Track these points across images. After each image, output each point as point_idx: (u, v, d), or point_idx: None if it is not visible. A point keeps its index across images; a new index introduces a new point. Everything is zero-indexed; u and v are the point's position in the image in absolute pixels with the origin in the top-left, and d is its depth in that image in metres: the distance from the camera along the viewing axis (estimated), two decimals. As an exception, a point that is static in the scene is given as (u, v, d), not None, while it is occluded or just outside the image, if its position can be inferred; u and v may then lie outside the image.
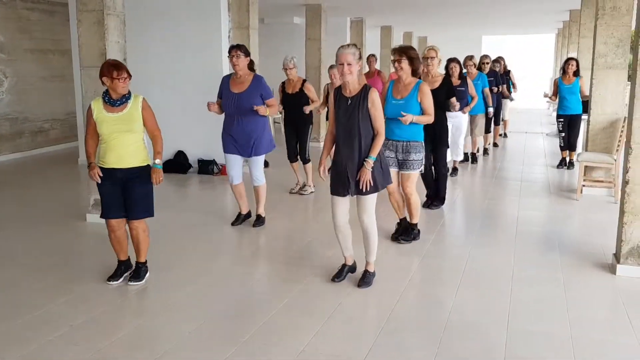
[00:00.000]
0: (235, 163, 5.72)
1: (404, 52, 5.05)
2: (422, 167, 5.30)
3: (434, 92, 6.02)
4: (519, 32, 22.73)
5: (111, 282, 4.34)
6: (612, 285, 4.43)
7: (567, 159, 9.20)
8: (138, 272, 4.40)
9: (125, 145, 4.12)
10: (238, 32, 8.66)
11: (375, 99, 4.04)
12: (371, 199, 4.17)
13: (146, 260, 4.45)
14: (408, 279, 4.49)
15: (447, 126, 6.48)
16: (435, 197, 6.63)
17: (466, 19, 16.76)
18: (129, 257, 4.48)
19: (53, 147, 11.06)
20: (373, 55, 9.97)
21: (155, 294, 4.24)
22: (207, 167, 8.75)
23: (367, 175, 4.03)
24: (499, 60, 11.63)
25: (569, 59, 9.05)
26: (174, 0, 8.64)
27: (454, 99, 6.31)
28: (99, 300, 4.07)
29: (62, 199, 7.23)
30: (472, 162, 9.60)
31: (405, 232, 5.41)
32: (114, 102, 4.11)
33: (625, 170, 4.49)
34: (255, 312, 3.90)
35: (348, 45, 4.06)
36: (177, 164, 8.85)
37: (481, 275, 4.58)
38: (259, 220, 5.93)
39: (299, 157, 7.36)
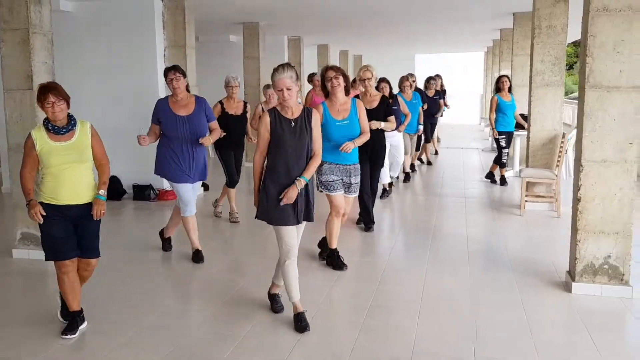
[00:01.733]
0: (190, 192, 5.30)
1: (339, 69, 5.05)
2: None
3: (373, 111, 5.95)
4: (450, 51, 23.37)
5: (67, 336, 3.81)
6: (570, 304, 4.40)
7: (499, 175, 9.26)
8: (73, 323, 3.88)
9: (80, 178, 3.71)
10: (174, 51, 8.32)
11: (317, 120, 3.95)
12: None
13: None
14: (367, 308, 4.30)
15: (385, 145, 6.35)
16: (367, 218, 6.42)
17: (400, 39, 17.03)
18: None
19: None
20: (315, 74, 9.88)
21: (93, 347, 3.84)
22: (143, 192, 8.32)
23: (293, 193, 3.77)
24: (435, 78, 11.80)
25: (501, 77, 9.22)
26: (105, 19, 8.22)
27: (392, 118, 6.19)
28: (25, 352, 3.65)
29: None
30: (405, 181, 9.49)
31: (333, 259, 5.19)
32: (58, 129, 3.69)
33: (577, 188, 4.50)
34: (210, 356, 3.60)
35: (283, 68, 3.73)
36: (111, 191, 8.35)
37: (440, 301, 4.45)
38: (199, 255, 5.39)
39: (234, 180, 6.96)
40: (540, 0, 7.10)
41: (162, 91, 8.29)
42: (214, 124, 5.36)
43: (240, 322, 4.04)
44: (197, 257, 5.38)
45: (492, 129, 9.10)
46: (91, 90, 8.27)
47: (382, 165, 6.38)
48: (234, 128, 6.79)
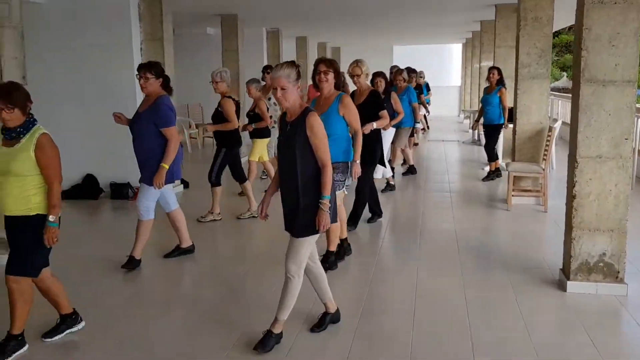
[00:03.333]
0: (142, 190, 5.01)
1: (332, 64, 4.75)
2: (344, 189, 4.89)
3: (361, 105, 5.76)
4: (428, 42, 23.29)
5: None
6: (566, 303, 4.32)
7: (488, 170, 9.16)
8: (3, 346, 3.46)
9: (6, 189, 3.36)
10: (151, 45, 8.05)
11: (314, 125, 3.36)
12: (303, 244, 3.45)
13: (22, 333, 3.55)
14: (360, 311, 4.15)
15: (378, 142, 6.17)
16: (352, 216, 6.23)
17: (377, 30, 16.88)
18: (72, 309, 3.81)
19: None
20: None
21: None
22: (121, 190, 8.05)
23: (325, 219, 3.37)
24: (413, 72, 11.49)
25: (491, 68, 9.09)
26: (79, 11, 7.89)
27: (384, 112, 6.07)
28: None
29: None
30: (405, 174, 9.40)
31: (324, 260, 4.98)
32: (7, 134, 3.37)
33: (572, 185, 4.40)
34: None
35: (281, 65, 3.38)
36: (87, 189, 8.08)
37: (434, 303, 4.32)
38: (130, 262, 5.04)
39: (207, 177, 6.68)
40: (526, -9, 7.01)
41: (139, 86, 8.02)
42: (168, 131, 4.81)
43: (226, 335, 3.86)
44: (127, 263, 5.06)
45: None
46: (65, 85, 7.95)
47: (373, 164, 6.16)
48: (216, 123, 6.61)
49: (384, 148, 8.00)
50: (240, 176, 6.83)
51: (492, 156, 9.04)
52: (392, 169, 9.33)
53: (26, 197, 3.37)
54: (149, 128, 4.80)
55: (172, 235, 5.49)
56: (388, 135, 8.11)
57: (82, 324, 3.85)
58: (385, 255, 5.53)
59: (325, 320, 3.84)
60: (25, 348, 3.55)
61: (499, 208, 7.22)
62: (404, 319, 4.01)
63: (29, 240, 3.42)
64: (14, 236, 3.44)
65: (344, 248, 5.24)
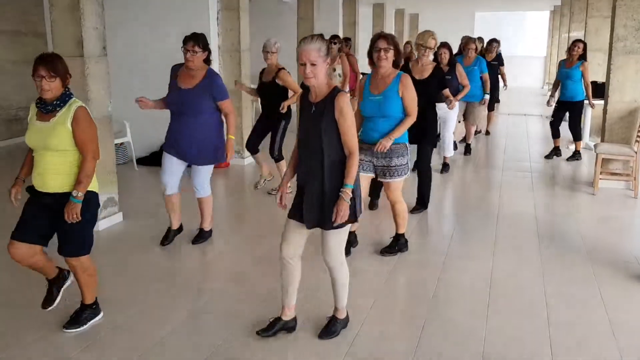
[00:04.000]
0: (171, 167, 4.79)
1: (393, 40, 4.36)
2: (409, 172, 4.59)
3: (423, 81, 5.46)
4: (512, 9, 22.14)
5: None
6: (657, 304, 3.99)
7: (574, 149, 8.63)
8: (78, 315, 3.58)
9: (46, 165, 3.29)
10: (227, 14, 8.00)
11: (344, 107, 3.07)
12: (336, 236, 3.25)
13: (95, 302, 3.63)
14: (428, 301, 4.00)
15: (435, 122, 5.84)
16: (418, 201, 5.96)
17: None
18: (62, 270, 3.65)
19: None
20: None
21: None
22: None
23: (344, 209, 3.10)
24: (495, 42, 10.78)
25: (576, 41, 8.47)
26: (156, -19, 7.93)
27: (447, 91, 5.74)
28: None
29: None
30: (466, 154, 8.84)
31: (390, 244, 4.82)
32: (43, 107, 3.29)
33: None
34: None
35: (312, 38, 3.07)
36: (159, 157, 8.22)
37: (510, 295, 4.09)
38: (201, 235, 5.04)
39: (269, 153, 6.47)
40: (627, -43, 6.40)
41: (216, 57, 8.04)
42: (225, 104, 4.69)
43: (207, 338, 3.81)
44: (197, 237, 5.05)
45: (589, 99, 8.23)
46: (140, 56, 8.05)
47: (432, 142, 5.82)
48: (265, 96, 6.38)
49: (450, 126, 7.59)
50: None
51: (577, 135, 8.51)
52: (468, 146, 8.92)
53: (70, 173, 3.30)
54: (205, 103, 4.61)
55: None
56: (453, 113, 7.53)
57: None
58: (458, 238, 5.27)
59: (274, 326, 3.48)
60: (100, 316, 3.64)
61: (584, 192, 6.78)
62: (476, 311, 3.82)
63: (85, 218, 3.35)
64: (60, 215, 3.30)
65: (350, 241, 4.66)
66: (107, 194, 5.44)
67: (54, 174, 3.30)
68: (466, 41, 8.82)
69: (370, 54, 4.44)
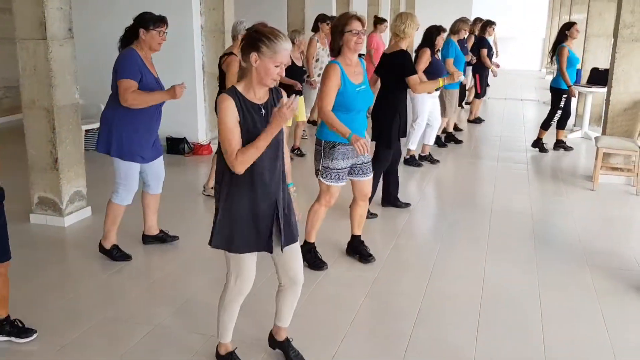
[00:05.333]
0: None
1: (363, 23, 3.91)
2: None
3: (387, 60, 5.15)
4: (511, -11, 21.58)
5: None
6: (661, 319, 3.69)
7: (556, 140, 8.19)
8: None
9: None
10: (210, -7, 7.56)
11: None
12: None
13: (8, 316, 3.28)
14: (417, 310, 3.68)
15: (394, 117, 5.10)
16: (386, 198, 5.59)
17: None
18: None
19: (7, 117, 9.93)
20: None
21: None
22: (177, 146, 7.80)
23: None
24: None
25: (574, 23, 7.97)
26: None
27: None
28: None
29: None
30: (457, 142, 8.43)
31: (360, 249, 4.42)
32: None
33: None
34: None
35: (286, 36, 2.63)
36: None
37: (503, 307, 3.77)
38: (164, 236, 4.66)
39: None
40: (636, -63, 5.99)
41: (198, 37, 7.62)
42: None
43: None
44: (162, 237, 4.65)
45: (570, 87, 7.67)
46: (116, 36, 7.60)
47: (387, 140, 5.11)
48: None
49: (423, 115, 6.91)
50: None
51: (546, 124, 8.02)
52: (450, 135, 8.43)
53: None
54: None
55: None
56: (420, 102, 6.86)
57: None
58: (449, 240, 4.93)
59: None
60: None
61: (583, 187, 6.45)
62: (466, 327, 3.51)
63: None
64: None
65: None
66: (75, 187, 5.08)
67: None
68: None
69: (333, 39, 3.89)
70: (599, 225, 5.39)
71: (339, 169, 3.96)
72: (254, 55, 2.54)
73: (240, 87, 2.61)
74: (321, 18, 8.48)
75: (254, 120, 2.59)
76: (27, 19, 4.74)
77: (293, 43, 6.84)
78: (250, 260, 2.76)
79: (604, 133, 6.65)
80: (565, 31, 7.81)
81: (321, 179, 4.03)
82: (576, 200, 6.05)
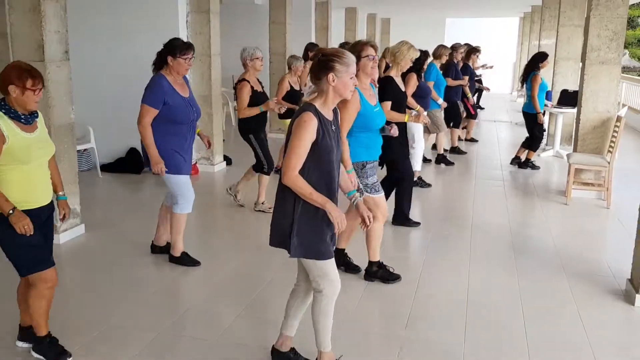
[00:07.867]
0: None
1: (376, 49, 4.20)
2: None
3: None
4: (482, 15, 22.33)
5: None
6: (634, 319, 3.95)
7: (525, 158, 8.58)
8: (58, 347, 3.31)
9: (46, 175, 3.20)
10: (197, 17, 7.80)
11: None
12: None
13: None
14: (406, 319, 3.88)
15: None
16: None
17: (431, 1, 16.21)
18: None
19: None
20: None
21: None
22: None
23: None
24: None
25: (547, 55, 8.46)
26: (123, -18, 7.68)
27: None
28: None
29: None
30: (438, 163, 8.64)
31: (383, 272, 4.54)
32: (27, 118, 3.06)
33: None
34: None
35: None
36: (131, 163, 7.98)
37: (487, 312, 4.00)
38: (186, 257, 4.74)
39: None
40: (601, -32, 6.41)
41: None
42: None
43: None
44: (185, 259, 4.71)
45: (538, 113, 8.12)
46: (106, 59, 7.81)
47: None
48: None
49: (419, 134, 7.17)
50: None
51: (534, 146, 8.44)
52: (442, 157, 8.65)
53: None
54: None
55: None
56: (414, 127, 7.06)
57: None
58: (433, 252, 5.17)
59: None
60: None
61: (557, 202, 6.76)
62: (454, 329, 3.72)
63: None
64: (50, 225, 3.24)
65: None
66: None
67: (48, 183, 3.22)
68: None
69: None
70: (573, 236, 5.68)
71: (374, 182, 4.21)
72: (330, 76, 2.76)
73: (317, 104, 2.81)
74: (310, 47, 8.81)
75: (325, 134, 2.79)
76: (26, 42, 4.89)
77: (290, 68, 7.11)
78: (333, 261, 2.95)
79: (575, 150, 7.00)
80: (538, 62, 8.28)
81: (367, 194, 4.16)
82: (551, 213, 6.35)
